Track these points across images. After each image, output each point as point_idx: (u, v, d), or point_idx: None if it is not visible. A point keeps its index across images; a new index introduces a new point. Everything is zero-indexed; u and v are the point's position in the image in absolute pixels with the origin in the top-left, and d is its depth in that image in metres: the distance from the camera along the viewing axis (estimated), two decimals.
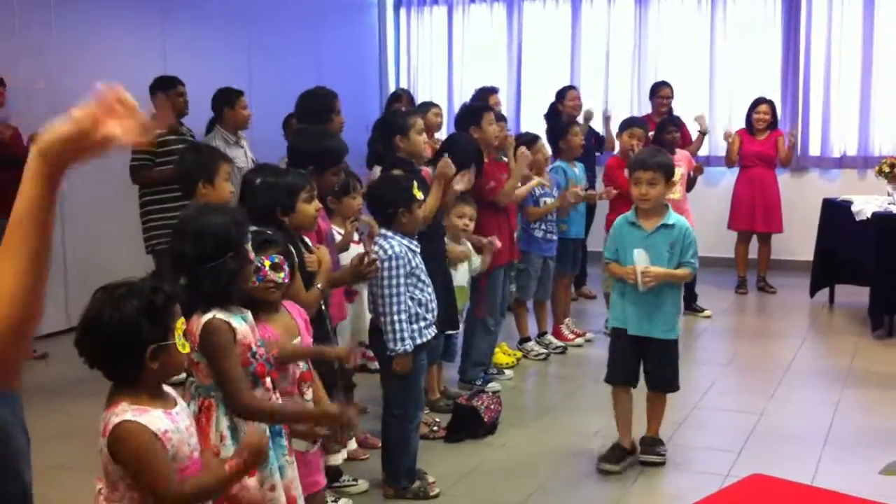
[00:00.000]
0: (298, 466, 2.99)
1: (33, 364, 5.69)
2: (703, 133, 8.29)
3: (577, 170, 6.78)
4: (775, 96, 9.07)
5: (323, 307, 3.75)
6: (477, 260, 5.47)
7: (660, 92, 8.41)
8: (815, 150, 9.44)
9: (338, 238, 4.37)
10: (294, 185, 3.55)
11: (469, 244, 5.43)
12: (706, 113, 9.50)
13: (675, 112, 8.39)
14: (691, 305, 7.50)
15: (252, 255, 2.81)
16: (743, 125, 8.68)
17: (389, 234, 4.04)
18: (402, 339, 3.99)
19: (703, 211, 8.33)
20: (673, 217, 4.42)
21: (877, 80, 9.09)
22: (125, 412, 2.17)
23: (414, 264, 4.04)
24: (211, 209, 2.91)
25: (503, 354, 6.26)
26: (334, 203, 4.41)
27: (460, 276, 5.36)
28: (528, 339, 6.60)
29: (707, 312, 7.65)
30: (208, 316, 2.71)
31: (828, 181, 9.38)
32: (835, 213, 7.78)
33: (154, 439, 2.16)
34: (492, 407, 5.08)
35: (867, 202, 7.21)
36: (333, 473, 4.08)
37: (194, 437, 2.34)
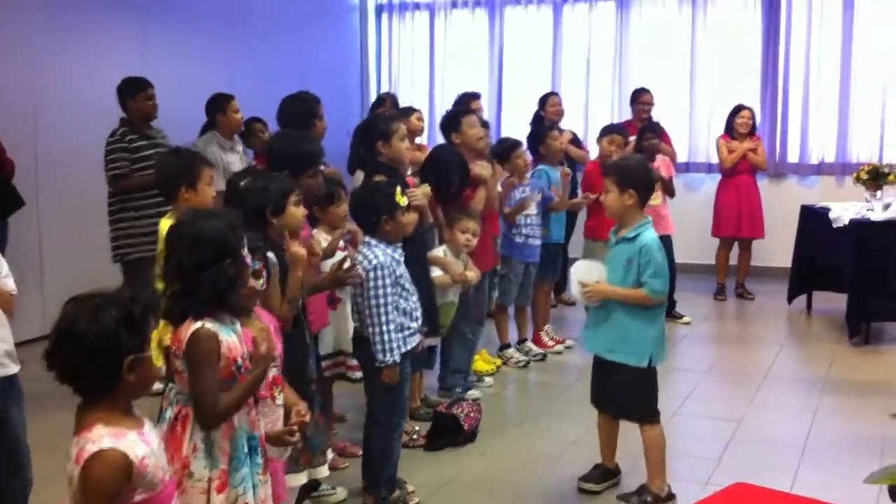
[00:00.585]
0: None
1: None
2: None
3: (559, 175, 6.78)
4: (755, 103, 9.13)
5: (301, 315, 3.74)
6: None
7: (640, 98, 8.45)
8: (793, 156, 9.51)
9: (324, 244, 4.34)
10: (285, 188, 3.55)
11: (462, 262, 5.39)
12: (686, 119, 9.58)
13: (656, 118, 8.44)
14: (670, 312, 7.51)
15: (249, 259, 2.80)
16: (722, 131, 8.72)
17: (373, 242, 4.02)
18: (391, 350, 3.97)
19: (683, 217, 8.37)
20: (638, 230, 4.06)
21: (855, 88, 9.16)
22: (102, 438, 2.12)
23: (398, 273, 4.02)
24: (206, 214, 2.88)
25: (483, 362, 6.26)
26: (320, 212, 4.39)
27: (451, 293, 5.34)
28: (508, 346, 6.60)
29: (686, 319, 7.68)
30: (198, 325, 2.67)
31: (806, 188, 9.44)
32: (812, 219, 7.83)
33: (129, 469, 2.12)
34: (472, 415, 5.07)
35: (844, 209, 7.25)
36: (312, 483, 4.05)
37: (164, 457, 2.31)
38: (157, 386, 2.96)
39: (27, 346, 5.56)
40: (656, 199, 6.61)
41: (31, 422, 3.70)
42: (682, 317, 7.68)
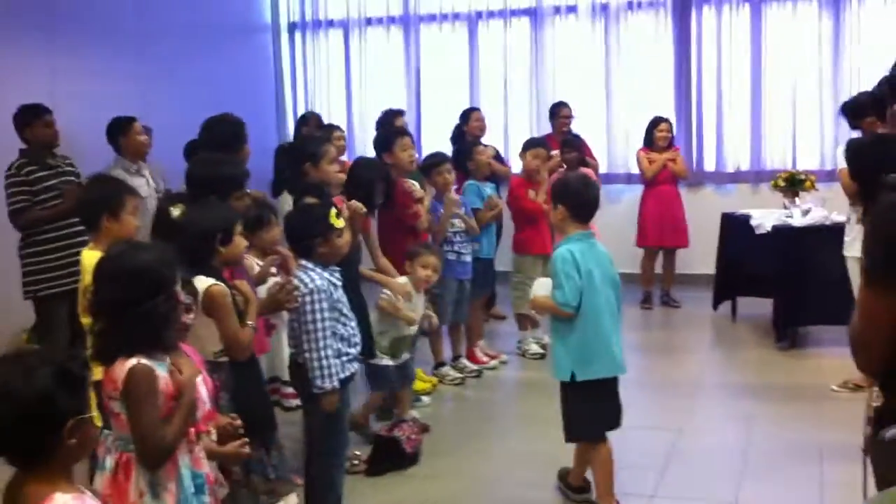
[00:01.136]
0: None
1: None
2: None
3: (489, 189, 6.77)
4: (669, 113, 9.24)
5: None
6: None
7: (560, 112, 8.50)
8: (710, 165, 9.65)
9: (256, 269, 4.22)
10: (231, 215, 3.41)
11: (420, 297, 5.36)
12: (604, 131, 9.66)
13: (576, 131, 8.49)
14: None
15: (182, 296, 2.66)
16: (640, 142, 8.82)
17: (309, 265, 3.90)
18: (330, 376, 3.85)
19: (606, 227, 8.36)
20: (560, 244, 4.16)
21: (766, 97, 9.34)
22: None
23: (336, 297, 3.90)
24: (137, 247, 2.74)
25: (419, 381, 6.16)
26: (249, 236, 4.26)
27: (408, 328, 5.29)
28: (442, 364, 6.53)
29: None
30: (132, 361, 2.54)
31: (722, 195, 9.57)
32: (734, 226, 7.94)
33: None
34: (412, 437, 4.99)
35: (765, 216, 7.37)
36: None
37: None
38: None
39: None
40: None
41: None
42: None
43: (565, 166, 7.50)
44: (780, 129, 9.36)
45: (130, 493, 2.57)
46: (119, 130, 6.30)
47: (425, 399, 6.02)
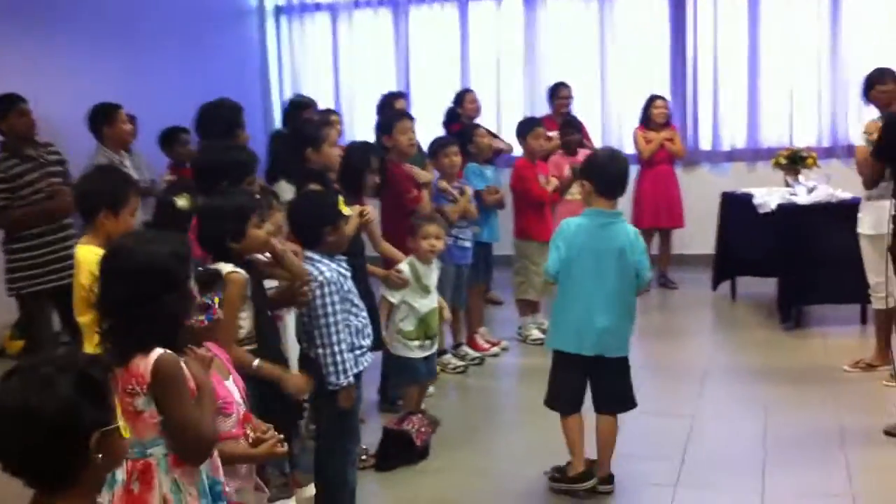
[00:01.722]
0: None
1: None
2: None
3: (490, 172, 6.62)
4: (665, 92, 9.09)
5: None
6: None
7: (559, 92, 8.36)
8: (705, 144, 9.52)
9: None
10: (243, 208, 3.23)
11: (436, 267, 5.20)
12: (599, 111, 9.51)
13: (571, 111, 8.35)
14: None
15: (196, 293, 2.48)
16: (636, 122, 8.68)
17: (316, 257, 3.73)
18: (345, 372, 3.69)
19: None
20: None
21: (763, 74, 9.21)
22: None
23: (346, 288, 3.74)
24: (149, 239, 2.51)
25: None
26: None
27: (427, 299, 5.11)
28: (444, 353, 6.37)
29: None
30: (158, 351, 2.35)
31: (718, 175, 9.45)
32: (735, 206, 7.83)
33: None
34: (423, 430, 4.84)
35: (769, 194, 7.23)
36: None
37: None
38: None
39: None
40: (575, 193, 6.48)
41: None
42: None
43: (566, 148, 7.37)
44: (777, 106, 9.23)
45: (152, 502, 2.40)
46: (104, 119, 6.01)
47: (429, 389, 5.86)
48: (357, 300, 3.83)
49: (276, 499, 3.37)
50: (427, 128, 8.01)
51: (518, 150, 7.12)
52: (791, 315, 6.92)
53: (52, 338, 5.52)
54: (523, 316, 7.04)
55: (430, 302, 5.11)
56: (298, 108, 6.16)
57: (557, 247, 4.13)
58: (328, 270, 3.70)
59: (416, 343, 5.04)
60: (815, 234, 6.68)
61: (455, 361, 6.36)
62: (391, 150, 5.42)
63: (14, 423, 1.71)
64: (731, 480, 4.31)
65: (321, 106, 8.45)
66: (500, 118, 9.69)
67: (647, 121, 8.50)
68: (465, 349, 6.53)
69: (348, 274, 3.81)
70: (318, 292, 3.65)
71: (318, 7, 10.39)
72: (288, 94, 10.14)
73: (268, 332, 3.49)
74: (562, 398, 4.26)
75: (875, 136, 5.23)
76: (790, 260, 6.80)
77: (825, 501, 4.10)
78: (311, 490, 3.69)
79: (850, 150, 8.58)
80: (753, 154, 9.31)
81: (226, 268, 3.18)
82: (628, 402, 4.30)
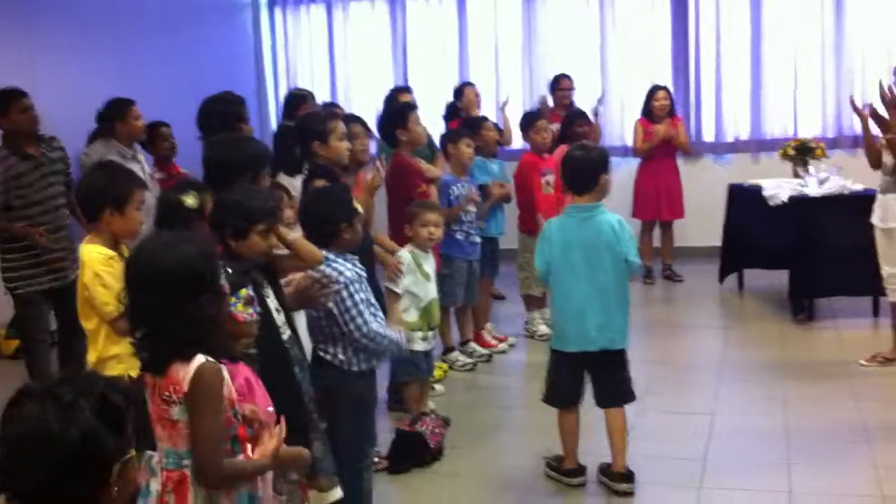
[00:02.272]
0: None
1: None
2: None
3: (496, 166, 6.49)
4: (667, 83, 8.96)
5: None
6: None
7: (561, 84, 8.26)
8: (708, 135, 9.40)
9: None
10: (255, 211, 3.08)
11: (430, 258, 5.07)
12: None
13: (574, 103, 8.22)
14: None
15: (228, 290, 2.35)
16: (637, 114, 8.54)
17: (331, 256, 3.58)
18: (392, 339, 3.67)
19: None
20: None
21: (766, 64, 9.09)
22: None
23: (366, 288, 3.61)
24: (172, 241, 2.37)
25: None
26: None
27: (429, 288, 4.98)
28: (451, 350, 6.25)
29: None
30: (200, 359, 2.23)
31: (721, 166, 9.34)
32: (742, 197, 7.71)
33: None
34: (436, 430, 4.72)
35: (778, 186, 7.11)
36: None
37: None
38: None
39: None
40: None
41: None
42: None
43: (571, 140, 7.22)
44: (780, 97, 9.11)
45: None
46: (116, 113, 5.90)
47: (438, 388, 5.73)
48: (373, 300, 3.70)
49: None
50: (425, 121, 7.88)
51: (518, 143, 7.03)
52: (803, 307, 6.80)
53: (47, 338, 5.38)
54: (529, 311, 6.92)
55: (432, 289, 5.00)
56: (300, 100, 6.02)
57: (542, 248, 4.17)
58: (348, 271, 3.56)
59: (420, 335, 4.91)
60: (828, 226, 6.58)
61: (463, 359, 6.23)
62: (403, 143, 5.29)
63: (30, 450, 1.58)
64: (757, 481, 4.18)
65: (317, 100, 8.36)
66: (499, 111, 9.54)
67: (649, 112, 8.37)
68: (473, 346, 6.40)
69: (364, 274, 3.67)
70: (343, 293, 3.51)
71: None
72: (283, 88, 10.02)
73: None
74: (560, 394, 4.26)
75: None
76: (802, 252, 6.68)
77: (856, 502, 3.99)
78: (335, 494, 3.54)
79: (855, 141, 8.52)
80: (757, 145, 9.19)
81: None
82: (629, 395, 4.28)
